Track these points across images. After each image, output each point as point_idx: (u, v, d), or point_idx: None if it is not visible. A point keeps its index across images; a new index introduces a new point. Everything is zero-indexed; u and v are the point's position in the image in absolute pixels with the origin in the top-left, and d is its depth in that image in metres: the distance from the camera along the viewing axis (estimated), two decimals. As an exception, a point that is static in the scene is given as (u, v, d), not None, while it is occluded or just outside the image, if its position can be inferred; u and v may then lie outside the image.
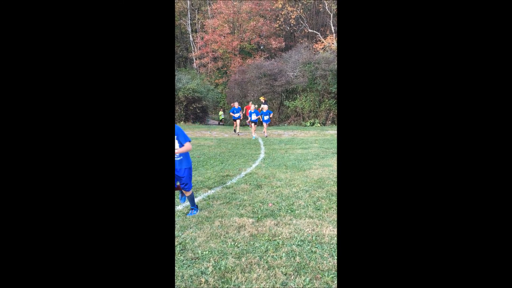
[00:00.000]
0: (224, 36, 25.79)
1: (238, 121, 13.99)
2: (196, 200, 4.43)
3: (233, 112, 14.00)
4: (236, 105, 14.10)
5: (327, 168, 6.46)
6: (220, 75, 26.41)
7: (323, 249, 2.87)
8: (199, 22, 28.75)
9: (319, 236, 3.16)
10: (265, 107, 13.39)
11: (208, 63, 26.44)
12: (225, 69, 26.44)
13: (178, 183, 3.70)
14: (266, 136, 12.61)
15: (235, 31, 26.38)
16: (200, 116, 19.76)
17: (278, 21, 27.57)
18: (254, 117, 13.04)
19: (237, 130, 14.06)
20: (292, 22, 27.80)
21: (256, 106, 15.79)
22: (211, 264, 2.61)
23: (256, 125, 13.03)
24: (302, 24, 27.55)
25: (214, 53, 26.17)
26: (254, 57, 25.88)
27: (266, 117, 13.17)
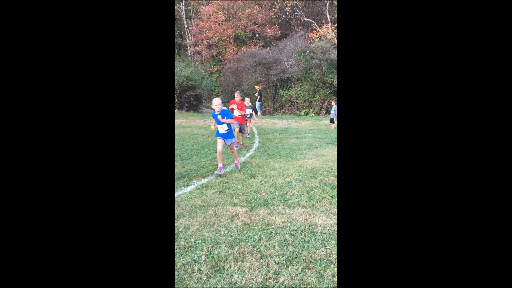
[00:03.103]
0: (219, 23, 25.45)
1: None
2: (189, 188, 4.43)
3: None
4: (217, 105, 5.44)
5: (320, 158, 6.48)
6: (214, 63, 26.15)
7: (315, 238, 2.89)
8: (194, 8, 28.28)
9: (312, 225, 3.18)
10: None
11: (202, 50, 26.13)
12: (220, 57, 26.17)
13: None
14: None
15: (230, 18, 26.03)
16: (194, 105, 19.60)
17: (273, 9, 27.23)
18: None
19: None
20: (288, 10, 27.49)
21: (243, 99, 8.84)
22: (204, 252, 2.62)
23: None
24: (297, 12, 27.26)
25: (208, 41, 25.84)
26: (249, 45, 25.62)
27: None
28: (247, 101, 9.20)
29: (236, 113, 7.77)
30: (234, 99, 8.14)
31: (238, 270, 2.37)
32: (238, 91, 8.07)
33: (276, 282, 2.22)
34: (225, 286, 2.18)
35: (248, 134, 9.51)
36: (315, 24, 25.60)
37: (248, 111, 9.18)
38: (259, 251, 2.65)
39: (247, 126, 9.40)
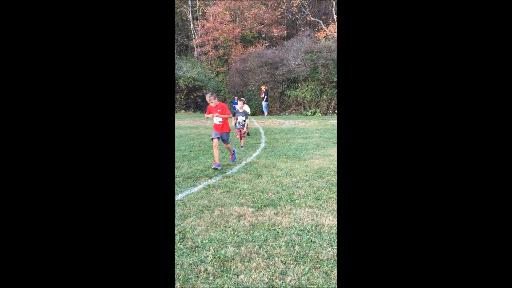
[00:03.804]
0: (225, 24, 25.50)
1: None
2: (196, 189, 4.45)
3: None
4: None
5: (327, 158, 6.45)
6: (221, 64, 26.21)
7: (322, 238, 2.88)
8: (200, 9, 28.39)
9: (318, 225, 3.16)
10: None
11: (209, 51, 26.21)
12: (226, 57, 26.23)
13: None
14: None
15: (237, 18, 26.08)
16: (200, 105, 19.69)
17: (280, 9, 27.20)
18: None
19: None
20: (294, 10, 27.44)
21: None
22: (210, 252, 2.63)
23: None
24: (304, 12, 27.20)
25: (215, 41, 25.91)
26: (256, 46, 25.64)
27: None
28: (239, 105, 7.93)
29: (216, 119, 5.72)
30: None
31: (244, 270, 2.37)
32: (209, 93, 5.87)
33: (282, 282, 2.21)
34: (232, 286, 2.18)
35: (242, 147, 7.83)
36: (322, 24, 25.53)
37: (241, 118, 7.76)
38: (266, 251, 2.65)
39: (241, 139, 7.84)
